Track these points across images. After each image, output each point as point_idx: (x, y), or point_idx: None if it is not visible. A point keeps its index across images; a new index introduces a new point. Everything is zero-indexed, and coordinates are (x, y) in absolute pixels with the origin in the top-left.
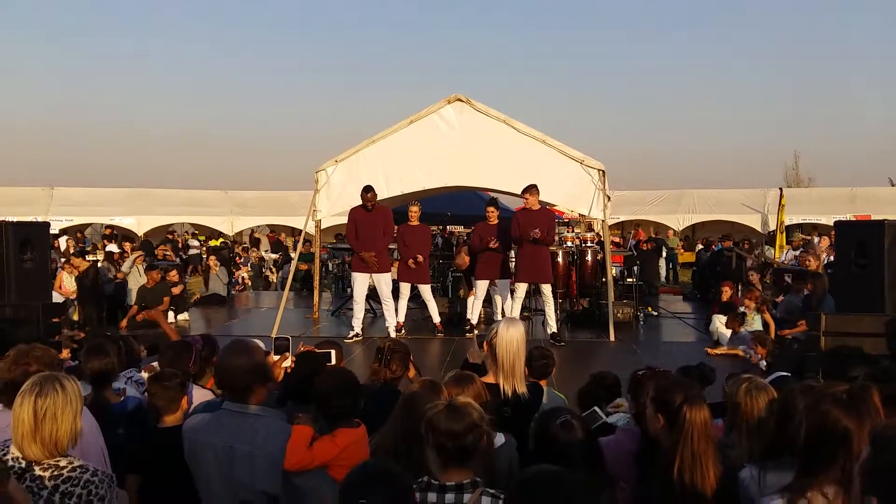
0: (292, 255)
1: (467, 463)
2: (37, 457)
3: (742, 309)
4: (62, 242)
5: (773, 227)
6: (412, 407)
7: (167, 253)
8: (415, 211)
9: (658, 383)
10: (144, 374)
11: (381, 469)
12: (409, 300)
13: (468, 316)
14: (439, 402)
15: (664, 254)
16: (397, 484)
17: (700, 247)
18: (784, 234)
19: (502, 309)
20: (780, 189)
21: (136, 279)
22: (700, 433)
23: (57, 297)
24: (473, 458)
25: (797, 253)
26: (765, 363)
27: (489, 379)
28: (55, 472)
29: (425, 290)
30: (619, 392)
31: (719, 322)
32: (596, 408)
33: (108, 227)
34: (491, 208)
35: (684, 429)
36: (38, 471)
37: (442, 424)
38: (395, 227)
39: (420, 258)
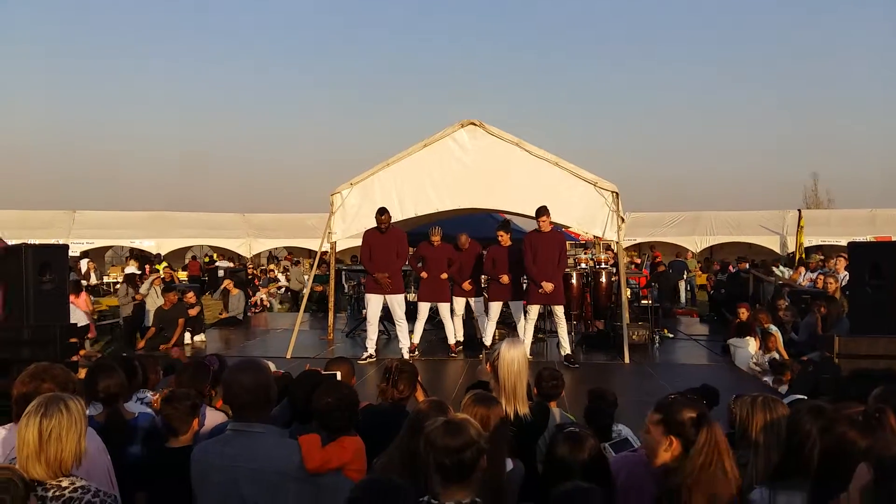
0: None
1: (467, 481)
2: (41, 477)
3: (770, 327)
4: (83, 265)
5: (791, 248)
6: (418, 427)
7: (179, 276)
8: (436, 240)
9: (662, 405)
10: (150, 395)
11: (387, 483)
12: (426, 321)
13: (482, 337)
14: (438, 419)
15: (684, 276)
16: (401, 495)
17: (716, 269)
18: (803, 255)
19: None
20: (799, 210)
21: (154, 301)
22: (724, 449)
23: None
24: (473, 476)
25: (815, 275)
26: (785, 388)
27: None
28: (57, 493)
29: (444, 309)
30: (615, 407)
31: (736, 344)
32: (607, 445)
33: (134, 250)
34: (501, 232)
35: (708, 446)
36: (40, 492)
37: (439, 441)
38: (411, 249)
39: (444, 275)
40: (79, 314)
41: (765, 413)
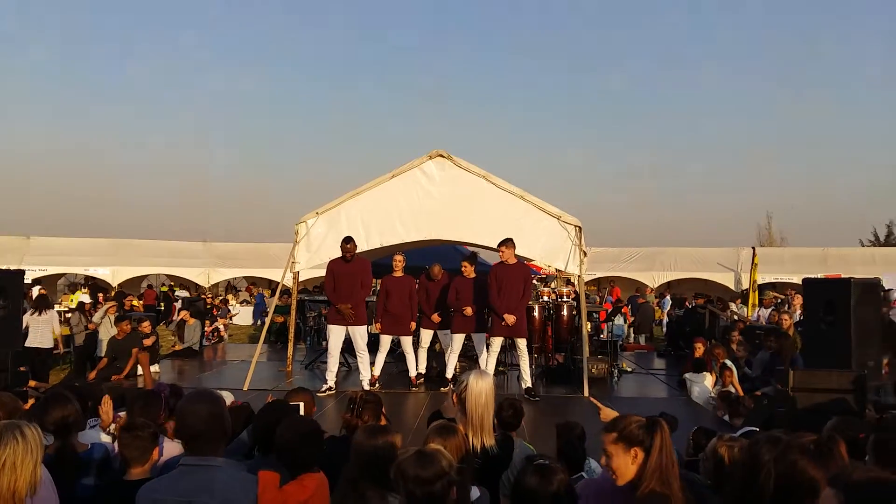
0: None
1: None
2: None
3: (727, 362)
4: (34, 292)
5: (745, 285)
6: (355, 456)
7: (134, 304)
8: (399, 260)
9: (612, 424)
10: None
11: None
12: (387, 354)
13: (444, 370)
14: (409, 449)
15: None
16: None
17: (669, 305)
18: (756, 292)
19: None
20: (753, 248)
21: (108, 330)
22: (669, 447)
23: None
24: None
25: (769, 311)
26: (727, 418)
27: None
28: None
29: (406, 343)
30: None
31: (692, 379)
32: (584, 473)
33: (88, 278)
34: (465, 263)
35: (664, 444)
36: None
37: (410, 471)
38: (376, 281)
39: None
40: (45, 334)
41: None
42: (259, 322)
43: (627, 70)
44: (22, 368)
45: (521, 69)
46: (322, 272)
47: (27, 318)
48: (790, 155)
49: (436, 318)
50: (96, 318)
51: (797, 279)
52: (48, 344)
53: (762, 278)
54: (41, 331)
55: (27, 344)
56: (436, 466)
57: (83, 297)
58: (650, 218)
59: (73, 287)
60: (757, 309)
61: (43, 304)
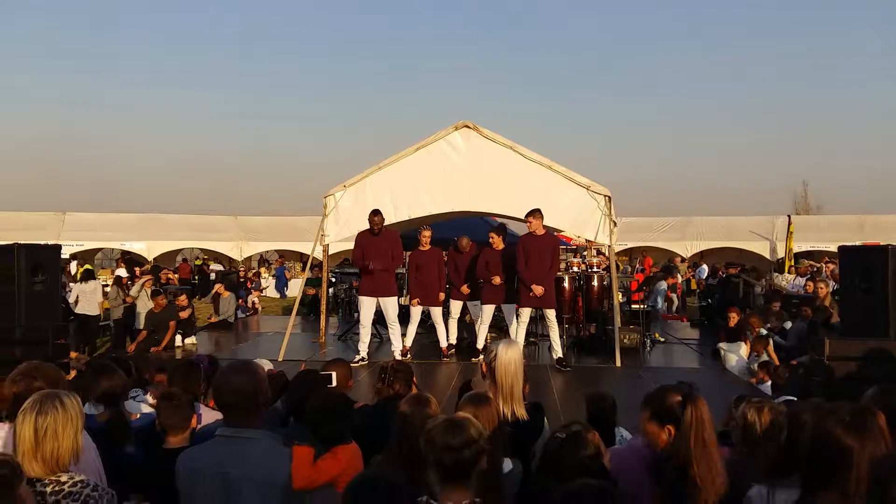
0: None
1: (466, 482)
2: (38, 474)
3: (762, 331)
4: (73, 267)
5: (781, 254)
6: (404, 427)
7: (170, 278)
8: (426, 235)
9: (649, 399)
10: (149, 397)
11: (378, 478)
12: (418, 325)
13: (474, 341)
14: (439, 417)
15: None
16: (395, 491)
17: (705, 273)
18: (792, 261)
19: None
20: (789, 216)
21: (145, 303)
22: (708, 426)
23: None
24: (472, 476)
25: (805, 280)
26: (769, 385)
27: None
28: (56, 488)
29: (436, 314)
30: (615, 409)
31: (726, 348)
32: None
33: (124, 252)
34: (493, 234)
35: (693, 425)
36: (38, 487)
37: (439, 438)
38: (406, 253)
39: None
40: (91, 303)
41: (761, 413)
42: (282, 296)
43: (656, 37)
44: (61, 341)
45: (550, 38)
46: (350, 245)
47: (77, 288)
48: (827, 120)
49: (465, 289)
50: (133, 291)
51: (833, 247)
52: (95, 311)
53: (798, 247)
54: (88, 300)
55: (77, 311)
56: (465, 434)
57: (119, 270)
58: (683, 186)
59: (82, 262)
60: (793, 278)
61: (88, 276)
